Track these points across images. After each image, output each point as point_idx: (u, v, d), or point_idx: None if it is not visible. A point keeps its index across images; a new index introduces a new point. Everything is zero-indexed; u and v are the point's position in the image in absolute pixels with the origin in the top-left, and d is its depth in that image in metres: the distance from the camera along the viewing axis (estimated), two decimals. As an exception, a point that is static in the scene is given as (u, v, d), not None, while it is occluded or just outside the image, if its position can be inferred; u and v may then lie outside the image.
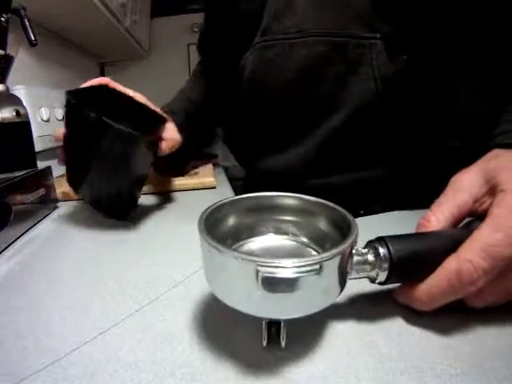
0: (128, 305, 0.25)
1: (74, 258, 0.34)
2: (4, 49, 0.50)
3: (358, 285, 0.25)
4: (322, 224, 0.24)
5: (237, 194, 0.52)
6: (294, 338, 0.20)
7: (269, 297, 0.17)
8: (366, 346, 0.20)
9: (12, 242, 0.37)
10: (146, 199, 0.53)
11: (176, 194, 0.55)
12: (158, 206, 0.49)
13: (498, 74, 0.38)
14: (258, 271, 0.16)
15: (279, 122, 0.46)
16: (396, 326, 0.21)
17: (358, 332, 0.21)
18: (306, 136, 0.44)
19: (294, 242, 0.25)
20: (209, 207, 0.22)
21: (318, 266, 0.16)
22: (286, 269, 0.16)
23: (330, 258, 0.17)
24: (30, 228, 0.42)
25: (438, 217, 0.24)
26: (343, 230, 0.21)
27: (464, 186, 0.25)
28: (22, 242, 0.38)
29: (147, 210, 0.47)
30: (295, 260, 0.16)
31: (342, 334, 0.21)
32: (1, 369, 0.19)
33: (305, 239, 0.25)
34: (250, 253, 0.24)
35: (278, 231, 0.26)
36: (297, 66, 0.41)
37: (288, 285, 0.16)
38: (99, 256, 0.33)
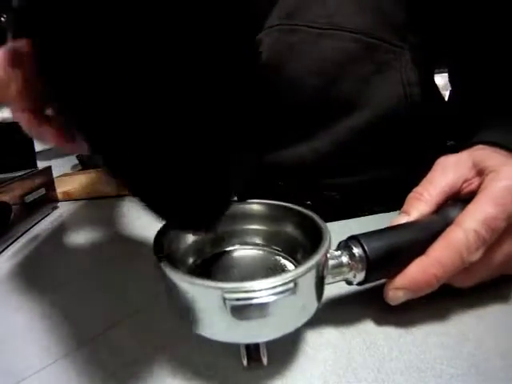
0: (128, 304, 0.25)
1: (74, 258, 0.34)
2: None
3: (358, 286, 0.25)
4: (290, 230, 0.22)
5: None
6: (294, 337, 0.20)
7: (241, 324, 0.15)
8: (366, 346, 0.20)
9: (12, 242, 0.37)
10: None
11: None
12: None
13: (483, 80, 0.39)
14: (225, 299, 0.14)
15: (295, 112, 0.44)
16: (396, 326, 0.21)
17: (357, 332, 0.21)
18: (323, 131, 0.43)
19: (263, 253, 0.24)
20: (164, 224, 0.20)
21: (292, 285, 0.15)
22: (257, 292, 0.14)
23: (305, 273, 0.15)
24: (30, 228, 0.42)
25: (431, 192, 0.24)
26: (312, 234, 0.20)
27: (452, 166, 0.25)
28: (22, 242, 0.38)
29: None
30: (266, 282, 0.14)
31: (341, 333, 0.21)
32: (1, 369, 0.19)
33: (274, 248, 0.24)
34: (215, 273, 0.22)
35: (244, 242, 0.24)
36: (323, 57, 0.40)
37: (261, 310, 0.15)
38: (99, 256, 0.33)
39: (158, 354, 0.20)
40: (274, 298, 0.14)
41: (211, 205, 0.19)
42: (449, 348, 0.19)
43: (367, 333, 0.21)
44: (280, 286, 0.15)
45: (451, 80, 0.46)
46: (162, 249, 0.18)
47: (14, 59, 0.20)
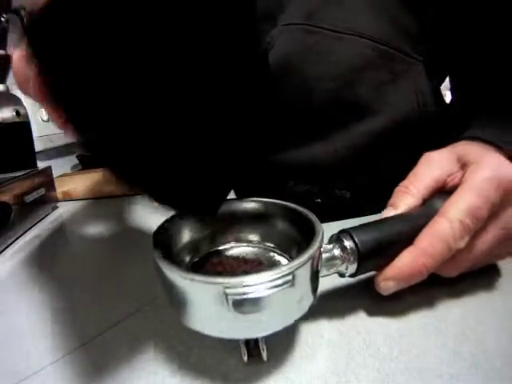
0: (128, 305, 0.25)
1: (73, 258, 0.34)
2: (4, 49, 0.50)
3: (358, 285, 0.25)
4: (284, 226, 0.23)
5: (236, 193, 0.51)
6: (294, 337, 0.20)
7: (243, 318, 0.15)
8: (366, 346, 0.20)
9: (12, 242, 0.37)
10: (144, 199, 0.52)
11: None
12: (157, 206, 0.49)
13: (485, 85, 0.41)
14: (226, 294, 0.15)
15: (309, 113, 0.44)
16: (396, 326, 0.21)
17: (358, 332, 0.21)
18: (337, 133, 0.43)
19: (257, 250, 0.24)
20: (161, 223, 0.21)
21: (290, 277, 0.15)
22: (258, 286, 0.15)
23: (302, 266, 0.16)
24: (30, 228, 0.42)
25: (417, 186, 0.25)
26: (306, 230, 0.20)
27: (437, 162, 0.26)
28: (22, 242, 0.38)
29: (146, 210, 0.47)
30: (265, 275, 0.15)
31: (341, 333, 0.21)
32: (1, 369, 0.19)
33: (268, 245, 0.24)
34: (213, 270, 0.22)
35: (239, 239, 0.24)
36: (340, 61, 0.40)
37: (262, 303, 0.15)
38: (99, 256, 0.33)
39: (157, 353, 0.20)
40: (274, 290, 0.15)
41: (212, 190, 0.20)
42: (449, 348, 0.19)
43: (367, 332, 0.21)
44: (279, 278, 0.15)
45: (452, 86, 0.47)
46: (161, 248, 0.18)
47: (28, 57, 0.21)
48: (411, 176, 0.26)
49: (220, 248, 0.24)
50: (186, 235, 0.23)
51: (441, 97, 0.47)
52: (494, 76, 0.40)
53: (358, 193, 0.44)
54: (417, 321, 0.21)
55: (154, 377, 0.18)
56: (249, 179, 0.63)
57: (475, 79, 0.42)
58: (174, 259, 0.18)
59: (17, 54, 0.22)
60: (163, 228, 0.21)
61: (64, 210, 0.49)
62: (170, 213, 0.22)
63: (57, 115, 0.22)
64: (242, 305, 0.15)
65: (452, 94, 0.49)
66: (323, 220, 0.44)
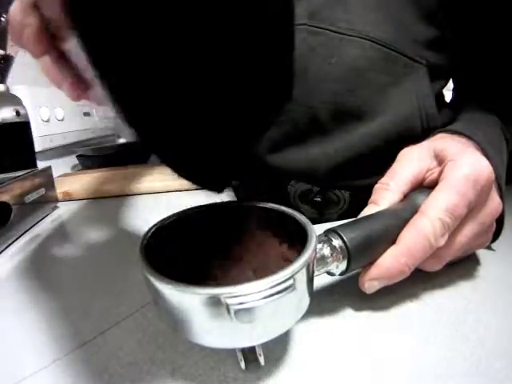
0: (128, 304, 0.25)
1: (73, 258, 0.34)
2: (4, 49, 0.50)
3: (348, 283, 0.25)
4: (271, 229, 0.22)
5: (236, 195, 0.51)
6: (294, 337, 0.20)
7: (245, 327, 0.15)
8: (366, 347, 0.20)
9: (12, 242, 0.37)
10: (143, 199, 0.53)
11: (174, 195, 0.55)
12: (157, 206, 0.49)
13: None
14: (227, 304, 0.14)
15: (309, 114, 0.43)
16: (395, 326, 0.21)
17: (358, 332, 0.21)
18: (337, 135, 0.43)
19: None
20: (146, 232, 0.21)
21: (292, 281, 0.15)
22: (261, 292, 0.14)
23: (301, 268, 0.15)
24: (30, 228, 0.42)
25: (397, 182, 0.26)
26: (294, 232, 0.20)
27: (416, 157, 0.27)
28: (22, 242, 0.38)
29: (146, 210, 0.47)
30: (266, 281, 0.14)
31: (341, 334, 0.21)
32: (1, 369, 0.19)
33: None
34: (208, 279, 0.21)
35: (225, 242, 0.23)
36: (344, 63, 0.40)
37: (265, 310, 0.15)
38: (99, 255, 0.33)
39: (157, 354, 0.20)
40: (277, 296, 0.15)
41: (223, 170, 0.21)
42: (448, 348, 0.19)
43: (367, 333, 0.21)
44: (281, 283, 0.15)
45: (455, 86, 0.47)
46: (150, 260, 0.18)
47: (32, 3, 0.20)
48: (390, 172, 0.27)
49: (206, 249, 0.23)
50: (173, 241, 0.22)
51: (443, 99, 0.47)
52: (499, 77, 0.40)
53: (357, 193, 0.44)
54: (416, 321, 0.21)
55: (154, 377, 0.18)
56: (250, 178, 0.62)
57: (479, 80, 0.43)
58: (161, 267, 0.17)
59: (16, 4, 0.21)
60: (149, 236, 0.20)
61: (64, 210, 0.49)
62: (159, 217, 0.22)
63: (60, 76, 0.21)
64: (244, 314, 0.14)
65: (453, 94, 0.49)
66: (322, 219, 0.43)
